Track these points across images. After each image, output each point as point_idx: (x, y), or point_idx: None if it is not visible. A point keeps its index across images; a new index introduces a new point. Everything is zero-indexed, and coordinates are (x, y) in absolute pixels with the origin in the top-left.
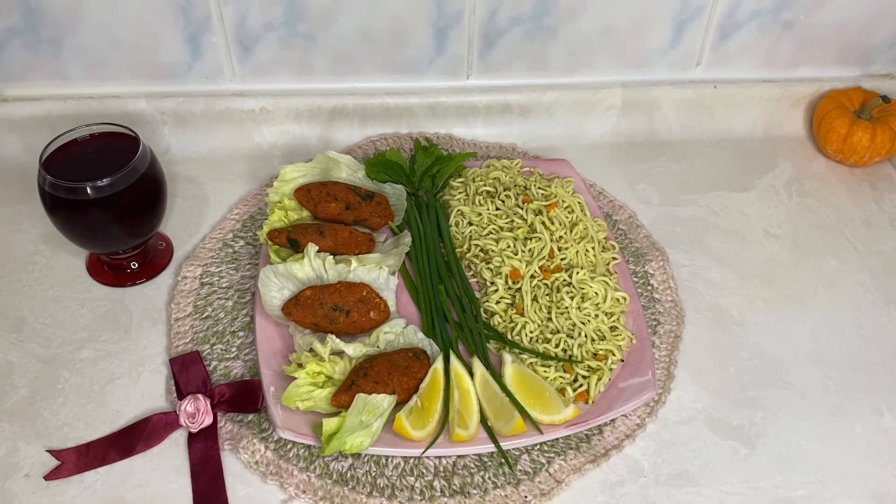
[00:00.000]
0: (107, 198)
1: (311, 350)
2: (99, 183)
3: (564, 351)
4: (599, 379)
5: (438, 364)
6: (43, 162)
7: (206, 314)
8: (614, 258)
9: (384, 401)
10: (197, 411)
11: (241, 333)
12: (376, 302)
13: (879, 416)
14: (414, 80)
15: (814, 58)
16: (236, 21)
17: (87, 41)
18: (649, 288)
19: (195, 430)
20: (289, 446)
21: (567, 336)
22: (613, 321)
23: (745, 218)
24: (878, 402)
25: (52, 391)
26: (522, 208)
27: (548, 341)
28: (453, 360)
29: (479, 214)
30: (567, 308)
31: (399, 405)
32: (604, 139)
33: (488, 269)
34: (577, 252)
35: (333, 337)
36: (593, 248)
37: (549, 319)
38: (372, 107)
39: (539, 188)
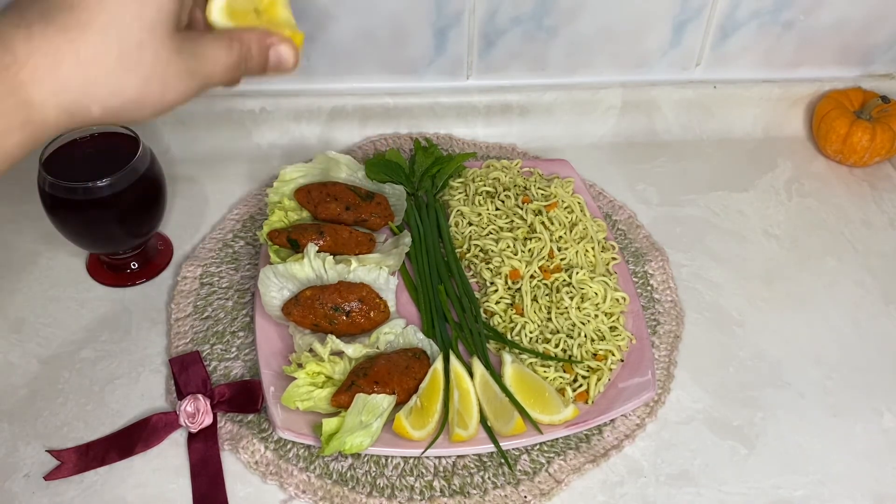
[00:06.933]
0: (107, 198)
1: (310, 350)
2: (99, 183)
3: (564, 351)
4: (599, 379)
5: (438, 364)
6: (43, 162)
7: (205, 314)
8: (614, 258)
9: (384, 401)
10: (197, 411)
11: (240, 333)
12: (376, 302)
13: (879, 416)
14: (414, 81)
15: (814, 58)
16: None
17: None
18: (649, 288)
19: (195, 431)
20: (289, 446)
21: (567, 336)
22: (613, 321)
23: (744, 218)
24: (878, 402)
25: (51, 391)
26: (522, 208)
27: (547, 341)
28: (453, 360)
29: (479, 215)
30: (567, 308)
31: (399, 405)
32: (604, 139)
33: (488, 269)
34: (576, 252)
35: (333, 337)
36: (593, 249)
37: (549, 319)
38: (372, 107)
39: (539, 188)
